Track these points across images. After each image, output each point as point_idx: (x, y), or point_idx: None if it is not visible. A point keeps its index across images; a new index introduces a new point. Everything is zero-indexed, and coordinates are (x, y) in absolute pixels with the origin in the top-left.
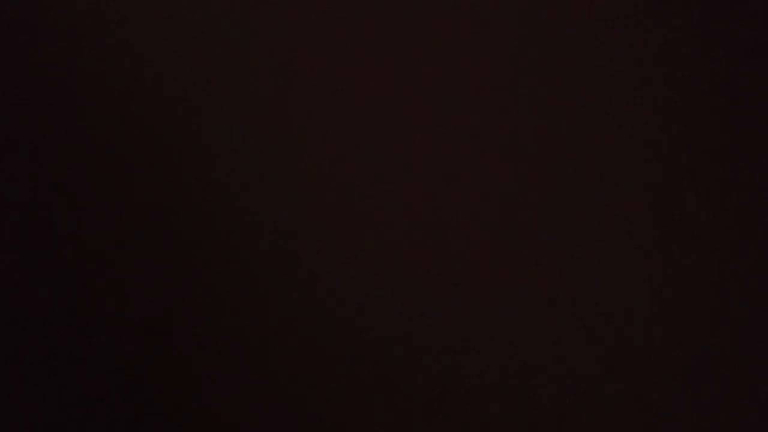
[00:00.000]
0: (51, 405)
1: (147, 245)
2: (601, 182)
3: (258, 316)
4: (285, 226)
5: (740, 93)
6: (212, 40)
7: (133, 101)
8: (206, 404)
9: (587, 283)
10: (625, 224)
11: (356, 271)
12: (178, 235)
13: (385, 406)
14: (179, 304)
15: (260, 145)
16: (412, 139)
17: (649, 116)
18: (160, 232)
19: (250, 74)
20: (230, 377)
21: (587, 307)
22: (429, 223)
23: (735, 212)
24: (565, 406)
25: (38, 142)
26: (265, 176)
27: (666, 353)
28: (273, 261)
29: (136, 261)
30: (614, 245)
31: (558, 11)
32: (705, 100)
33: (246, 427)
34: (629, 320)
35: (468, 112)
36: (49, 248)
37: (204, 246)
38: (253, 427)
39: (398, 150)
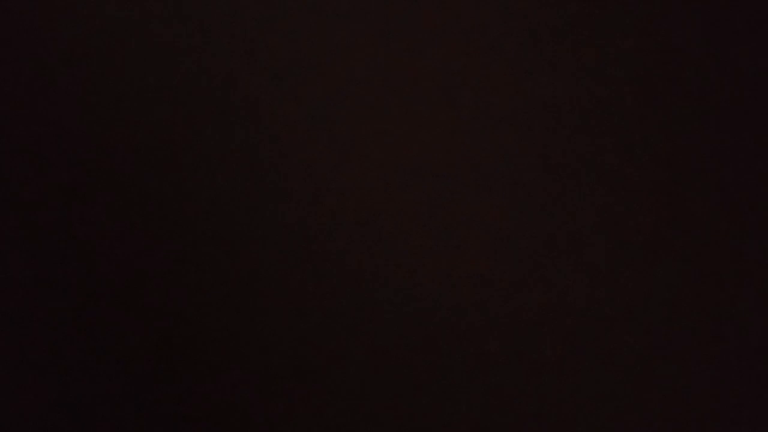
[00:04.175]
0: (52, 405)
1: (149, 245)
2: (601, 182)
3: (260, 316)
4: (285, 226)
5: (740, 93)
6: (218, 38)
7: (135, 100)
8: (207, 404)
9: (588, 283)
10: (625, 224)
11: (357, 270)
12: (180, 234)
13: (385, 405)
14: (180, 304)
15: (262, 145)
16: (414, 139)
17: (650, 116)
18: (163, 231)
19: (253, 73)
20: (230, 377)
21: (587, 307)
22: (430, 223)
23: (735, 212)
24: (565, 406)
25: (42, 141)
26: (265, 175)
27: (665, 353)
28: (274, 260)
29: (137, 261)
30: (614, 245)
31: (558, 10)
32: (705, 100)
33: (246, 426)
34: (629, 320)
35: (469, 111)
36: (54, 248)
37: (207, 246)
38: (254, 426)
39: (400, 149)
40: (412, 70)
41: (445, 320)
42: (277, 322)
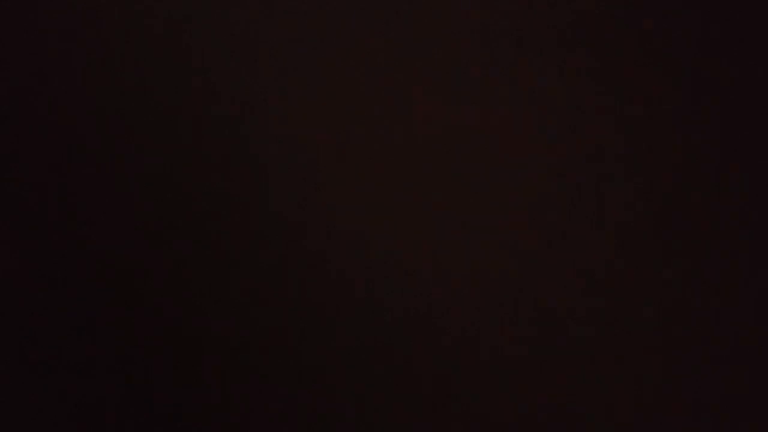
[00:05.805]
0: (53, 405)
1: (147, 243)
2: (601, 182)
3: (257, 316)
4: (285, 225)
5: (740, 93)
6: (217, 37)
7: (134, 99)
8: (207, 404)
9: (588, 283)
10: (625, 224)
11: (356, 270)
12: (179, 233)
13: (384, 405)
14: (178, 303)
15: (261, 143)
16: (414, 138)
17: (650, 116)
18: (161, 230)
19: (252, 71)
20: (228, 377)
21: (587, 307)
22: (429, 222)
23: (735, 212)
24: (564, 406)
25: (41, 141)
26: (264, 173)
27: (665, 353)
28: (273, 259)
29: (136, 260)
30: (614, 245)
31: (556, 10)
32: (706, 100)
33: (245, 426)
34: (629, 321)
35: (469, 111)
36: (53, 247)
37: (206, 245)
38: (255, 425)
39: (400, 149)
40: (412, 70)
41: (444, 320)
42: (276, 322)
